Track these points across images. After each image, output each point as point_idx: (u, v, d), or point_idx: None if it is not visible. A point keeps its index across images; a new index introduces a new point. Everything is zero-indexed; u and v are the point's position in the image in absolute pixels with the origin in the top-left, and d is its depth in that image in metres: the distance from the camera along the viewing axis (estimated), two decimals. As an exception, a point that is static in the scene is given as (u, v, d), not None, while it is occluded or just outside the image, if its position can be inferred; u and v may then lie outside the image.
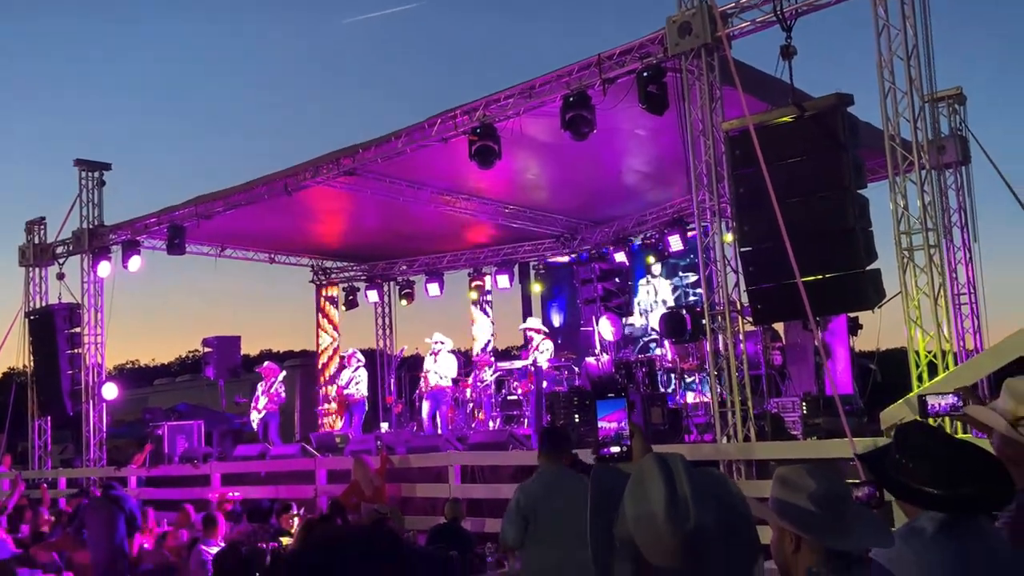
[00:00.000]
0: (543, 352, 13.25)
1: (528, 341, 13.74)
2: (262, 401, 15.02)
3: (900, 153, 8.04)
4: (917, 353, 7.88)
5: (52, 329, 15.39)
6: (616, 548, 1.58)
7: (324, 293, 19.30)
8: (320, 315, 19.31)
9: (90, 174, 15.72)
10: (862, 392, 12.52)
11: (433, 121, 11.29)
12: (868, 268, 8.06)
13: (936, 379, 7.28)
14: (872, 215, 8.31)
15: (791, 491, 2.14)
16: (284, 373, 15.55)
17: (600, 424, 2.12)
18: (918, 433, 2.67)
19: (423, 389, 14.36)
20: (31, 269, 16.40)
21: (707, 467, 1.67)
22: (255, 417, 15.06)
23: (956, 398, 3.04)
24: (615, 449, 2.08)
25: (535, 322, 14.40)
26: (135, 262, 14.94)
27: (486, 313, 18.60)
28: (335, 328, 19.38)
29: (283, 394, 15.25)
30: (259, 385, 15.30)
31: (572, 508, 4.29)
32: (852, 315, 12.12)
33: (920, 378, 7.76)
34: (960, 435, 5.25)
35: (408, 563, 1.18)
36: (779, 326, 12.69)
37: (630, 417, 2.13)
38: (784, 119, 8.35)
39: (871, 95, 8.48)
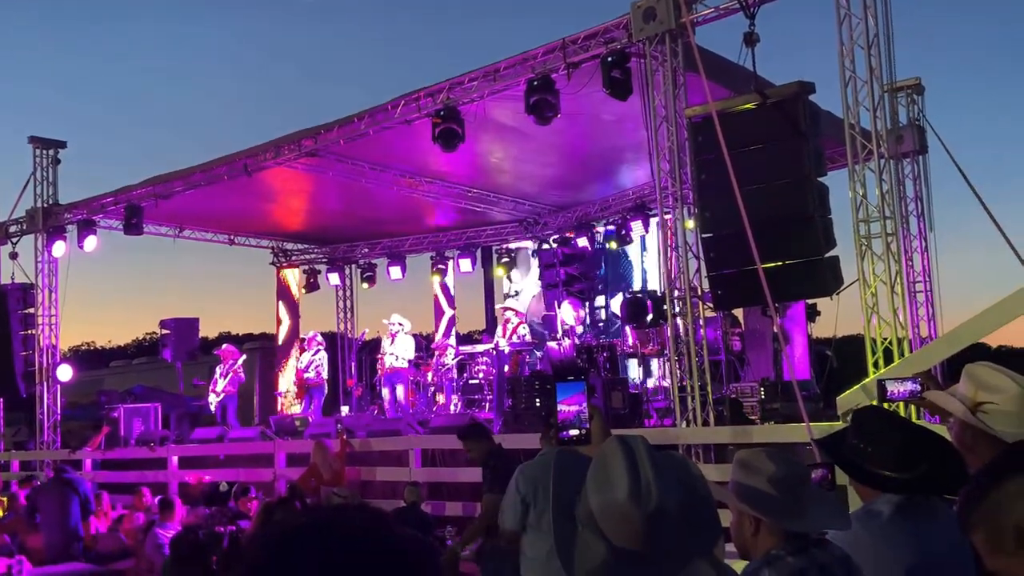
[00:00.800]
0: (522, 334, 13.26)
1: (504, 323, 13.72)
2: (220, 384, 14.88)
3: (860, 142, 8.14)
4: (874, 340, 8.01)
5: (5, 309, 15.07)
6: (578, 531, 1.58)
7: (283, 275, 19.12)
8: (279, 297, 19.13)
9: (45, 152, 15.39)
10: (819, 378, 12.70)
11: (396, 103, 11.20)
12: (827, 255, 8.15)
13: (892, 365, 7.40)
14: (832, 203, 8.42)
15: (751, 474, 2.17)
16: (244, 357, 15.42)
17: (560, 407, 2.12)
18: (875, 418, 2.72)
19: (380, 372, 14.32)
20: (-18, 248, 16.04)
21: (668, 450, 1.67)
22: (213, 400, 14.92)
23: (915, 384, 3.08)
24: (574, 432, 2.08)
25: (513, 302, 14.39)
26: (91, 242, 14.69)
27: (448, 296, 18.57)
28: (295, 310, 19.22)
29: (243, 376, 15.14)
30: (217, 368, 15.15)
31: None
32: (810, 302, 12.28)
33: (876, 364, 7.89)
34: (915, 420, 5.35)
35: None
36: (739, 312, 12.82)
37: (590, 400, 2.13)
38: (746, 106, 8.40)
39: (832, 84, 8.57)
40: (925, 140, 12.61)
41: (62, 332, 15.52)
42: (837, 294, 8.40)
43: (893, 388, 2.97)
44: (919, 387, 2.96)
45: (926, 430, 2.74)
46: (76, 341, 60.32)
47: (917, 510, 2.53)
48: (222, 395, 14.85)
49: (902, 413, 5.98)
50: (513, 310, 14.03)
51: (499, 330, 13.88)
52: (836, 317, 10.22)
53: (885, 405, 3.25)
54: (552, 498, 1.61)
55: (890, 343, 7.90)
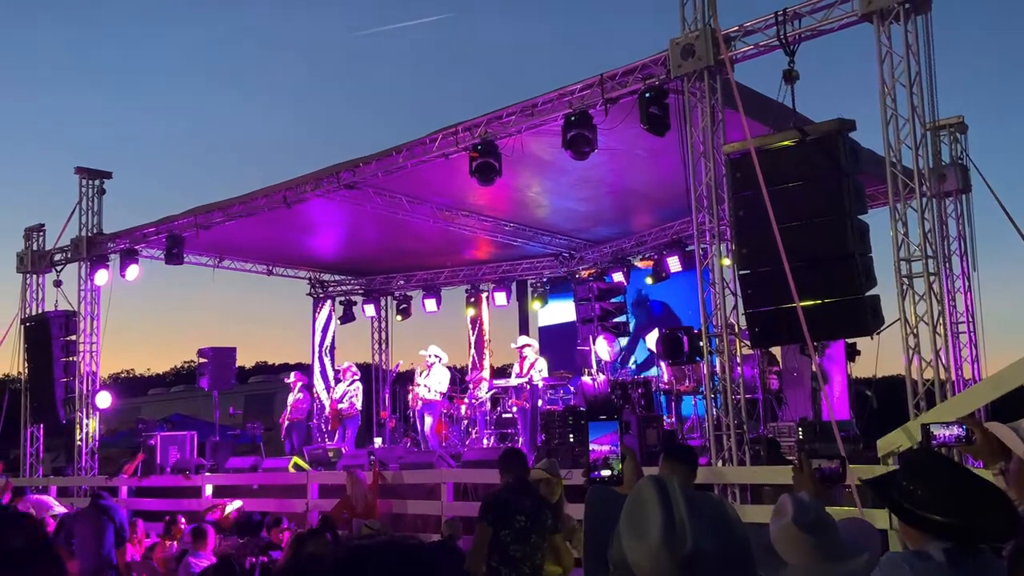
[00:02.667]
0: (538, 370, 13.20)
1: (522, 359, 13.70)
2: (287, 411, 15.50)
3: (901, 180, 8.04)
4: (915, 381, 7.85)
5: (48, 336, 15.32)
6: (610, 572, 1.55)
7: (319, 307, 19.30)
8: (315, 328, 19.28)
9: (90, 182, 15.70)
10: (859, 418, 12.48)
11: (435, 136, 11.29)
12: (867, 294, 8.03)
13: (936, 408, 7.24)
14: (872, 241, 8.31)
15: (775, 518, 2.12)
16: (301, 384, 15.85)
17: (592, 446, 2.09)
18: (927, 461, 2.67)
19: (412, 404, 14.35)
20: (28, 276, 16.35)
21: (704, 491, 1.64)
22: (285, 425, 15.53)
23: (961, 429, 3.00)
24: (606, 472, 2.05)
25: (527, 339, 14.37)
26: (133, 271, 14.91)
27: (483, 330, 18.57)
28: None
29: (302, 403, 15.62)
30: (289, 395, 15.74)
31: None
32: (850, 341, 12.10)
33: (917, 406, 7.73)
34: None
35: None
36: (776, 350, 12.66)
37: (623, 440, 2.10)
38: (785, 143, 8.35)
39: (873, 121, 8.50)
40: (968, 179, 12.46)
41: (103, 360, 15.74)
42: (877, 334, 8.27)
43: (939, 432, 2.90)
44: (965, 432, 2.88)
45: (978, 477, 2.67)
46: (116, 369, 61.27)
47: (966, 558, 2.46)
48: (287, 422, 15.31)
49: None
50: (530, 345, 13.98)
51: (515, 366, 13.82)
52: (876, 357, 10.05)
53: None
54: (584, 537, 1.59)
55: (932, 385, 7.73)
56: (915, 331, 7.86)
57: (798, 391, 12.66)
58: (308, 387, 15.83)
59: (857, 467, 7.06)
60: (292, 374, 16.59)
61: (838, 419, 10.89)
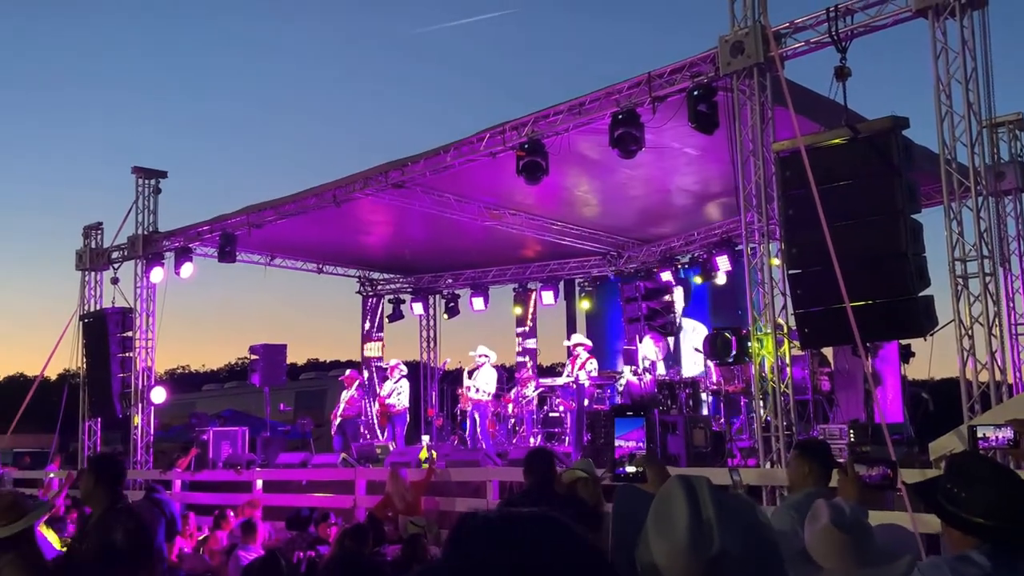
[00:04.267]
0: (589, 369, 13.17)
1: (574, 357, 13.69)
2: (341, 408, 15.53)
3: (956, 178, 7.87)
4: (970, 383, 7.68)
5: (105, 332, 15.68)
6: (637, 572, 1.53)
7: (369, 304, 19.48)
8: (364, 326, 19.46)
9: (146, 181, 16.04)
10: (914, 421, 12.23)
11: (482, 136, 11.32)
12: (920, 295, 7.87)
13: (989, 411, 7.08)
14: (927, 241, 8.14)
15: (811, 523, 2.09)
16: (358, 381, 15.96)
17: (618, 442, 2.08)
18: (972, 463, 2.62)
19: (462, 403, 14.42)
20: (87, 273, 16.75)
21: (735, 493, 1.62)
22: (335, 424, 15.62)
23: (1010, 432, 2.93)
24: (630, 469, 2.03)
25: (581, 338, 14.34)
26: (187, 269, 15.19)
27: (531, 328, 18.59)
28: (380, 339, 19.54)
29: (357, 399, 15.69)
30: (343, 393, 15.79)
31: None
32: (904, 342, 11.86)
33: (972, 409, 7.56)
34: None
35: None
36: (828, 351, 12.45)
37: (650, 436, 2.09)
38: (836, 141, 8.22)
39: (928, 118, 8.33)
40: (1028, 177, 12.14)
41: (159, 355, 16.06)
42: (931, 335, 8.10)
43: (987, 434, 2.83)
44: (1014, 436, 2.81)
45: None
46: (172, 364, 62.43)
47: (1009, 563, 2.41)
48: (339, 419, 15.42)
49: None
50: (582, 344, 13.96)
51: (567, 365, 13.81)
52: (930, 359, 9.83)
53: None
54: (612, 536, 1.57)
55: (987, 387, 7.55)
56: (970, 332, 7.69)
57: (850, 393, 12.43)
58: (362, 385, 15.94)
59: (908, 471, 6.94)
60: (348, 371, 16.67)
61: (892, 422, 10.69)
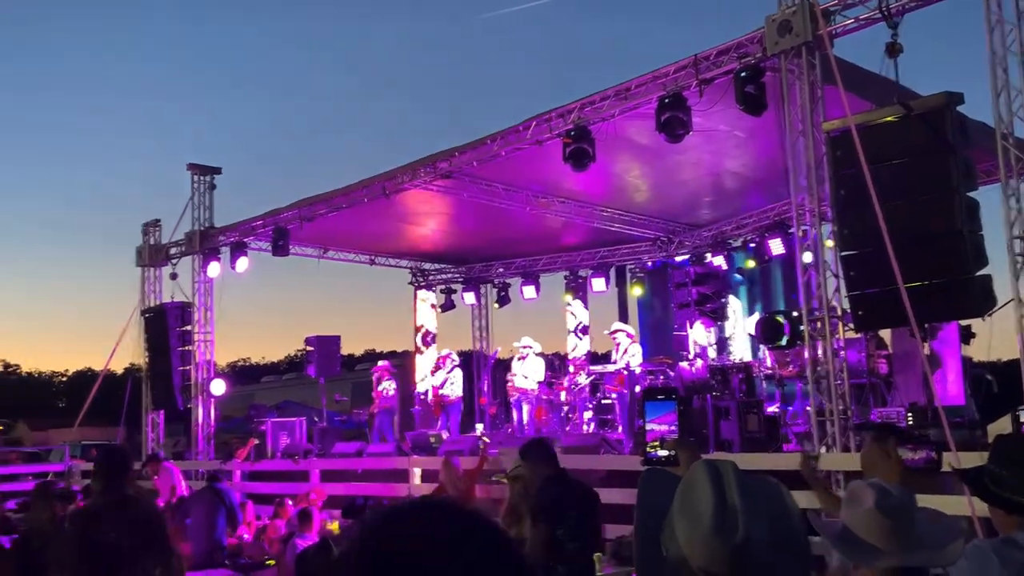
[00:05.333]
0: (633, 356, 13.12)
1: (616, 345, 13.65)
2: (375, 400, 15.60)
3: (1014, 154, 7.66)
4: (1031, 364, 7.48)
5: (165, 327, 16.05)
6: (663, 556, 1.54)
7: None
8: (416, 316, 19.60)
9: (202, 178, 16.35)
10: (976, 403, 11.95)
11: (528, 124, 11.32)
12: (977, 274, 7.68)
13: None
14: (984, 219, 7.93)
15: (851, 506, 2.07)
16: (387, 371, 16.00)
17: (649, 426, 2.08)
18: (1015, 444, 2.59)
19: (512, 395, 14.48)
20: (147, 269, 17.15)
21: (763, 476, 1.61)
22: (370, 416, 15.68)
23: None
24: (662, 453, 2.03)
25: (621, 324, 14.30)
26: (242, 263, 15.44)
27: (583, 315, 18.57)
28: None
29: (390, 393, 15.62)
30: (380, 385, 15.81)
31: None
32: (964, 323, 11.59)
33: (1034, 391, 7.36)
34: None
35: None
36: (885, 333, 12.23)
37: (682, 421, 2.08)
38: (888, 119, 8.04)
39: (984, 93, 8.11)
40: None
41: (221, 349, 16.45)
42: (989, 315, 7.90)
43: (1031, 418, 2.78)
44: None
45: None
46: (234, 357, 63.68)
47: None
48: (377, 411, 15.51)
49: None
50: (623, 331, 13.90)
51: (613, 353, 13.77)
52: (990, 340, 9.59)
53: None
54: (637, 521, 1.58)
55: (1049, 368, 7.36)
56: (1030, 312, 7.49)
57: (909, 375, 12.19)
58: (396, 376, 15.93)
59: (967, 454, 6.80)
60: (380, 363, 16.59)
61: (953, 404, 10.48)
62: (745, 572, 1.45)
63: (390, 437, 14.86)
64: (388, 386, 15.67)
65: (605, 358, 19.08)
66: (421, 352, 19.39)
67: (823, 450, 8.57)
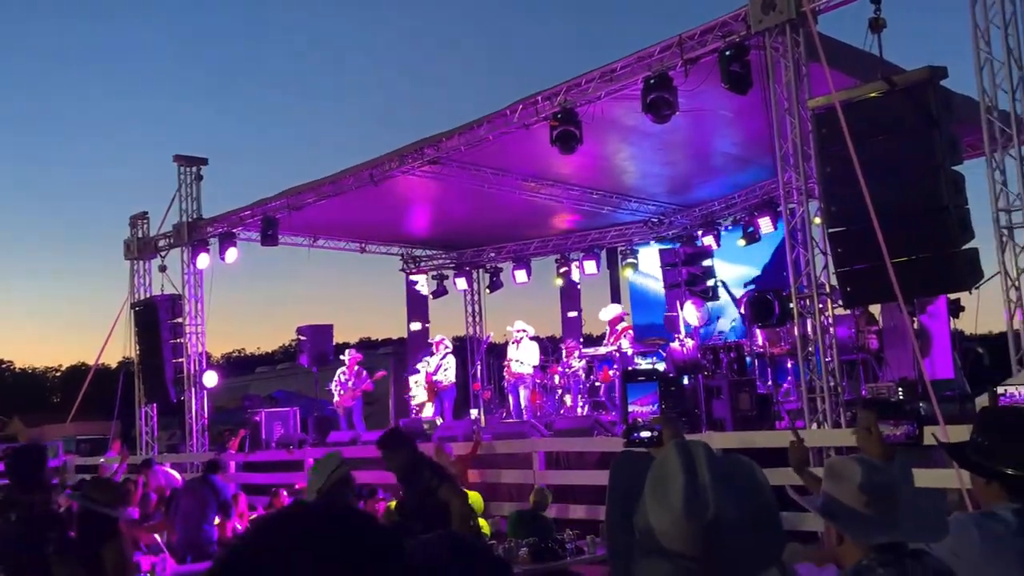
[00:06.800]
0: (626, 337, 13.17)
1: (614, 330, 13.68)
2: (348, 389, 15.43)
3: (998, 127, 7.66)
4: (1018, 335, 7.52)
5: (156, 320, 15.97)
6: (636, 539, 1.54)
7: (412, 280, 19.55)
8: (409, 303, 19.56)
9: (188, 169, 16.25)
10: (966, 376, 12.00)
11: (515, 107, 11.27)
12: (964, 248, 7.71)
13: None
14: (970, 193, 7.95)
15: (838, 482, 2.07)
16: (361, 358, 15.88)
17: (632, 407, 2.08)
18: (1003, 416, 2.61)
19: (507, 377, 14.49)
20: (135, 262, 17.08)
21: (736, 454, 1.62)
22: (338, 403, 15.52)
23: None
24: (645, 434, 2.03)
25: (616, 308, 14.33)
26: (231, 254, 15.38)
27: (575, 298, 18.59)
28: (425, 315, 19.62)
29: (366, 379, 15.53)
30: (342, 372, 15.65)
31: None
32: (953, 297, 11.63)
33: (1021, 362, 7.41)
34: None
35: None
36: (875, 309, 12.27)
37: (663, 401, 2.08)
38: (873, 94, 8.04)
39: (968, 67, 8.11)
40: (1077, 121, 11.76)
41: (215, 340, 16.41)
42: (976, 288, 7.93)
43: (1009, 392, 2.79)
44: None
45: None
46: (228, 348, 63.53)
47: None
48: (349, 399, 15.38)
49: None
50: (617, 316, 13.93)
51: (607, 337, 13.78)
52: (977, 313, 9.63)
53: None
54: (608, 504, 1.58)
55: (1036, 339, 7.39)
56: (1016, 284, 7.52)
57: (899, 350, 12.21)
58: (365, 364, 15.80)
59: (955, 427, 6.84)
60: (348, 353, 16.21)
61: (942, 378, 10.52)
62: (717, 550, 1.46)
63: (360, 427, 14.82)
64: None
65: (599, 340, 19.13)
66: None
67: (814, 426, 8.61)
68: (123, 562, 4.58)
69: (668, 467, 1.52)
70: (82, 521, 4.66)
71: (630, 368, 12.13)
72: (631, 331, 13.66)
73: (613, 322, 14.25)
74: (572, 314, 18.51)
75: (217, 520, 8.89)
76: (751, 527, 1.49)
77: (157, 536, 8.66)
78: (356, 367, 15.43)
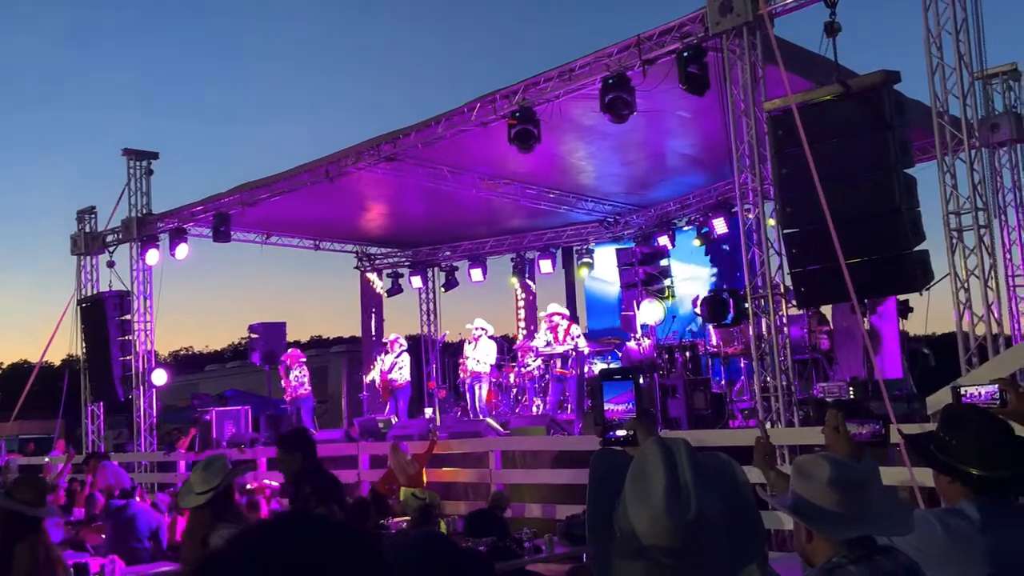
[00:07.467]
0: (576, 336, 13.19)
1: (554, 327, 13.64)
2: (292, 387, 15.39)
3: (949, 131, 7.82)
4: (967, 336, 7.67)
5: (103, 316, 15.62)
6: (616, 538, 1.52)
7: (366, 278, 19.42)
8: (364, 301, 19.42)
9: (138, 163, 15.93)
10: (914, 377, 12.24)
11: (472, 105, 11.23)
12: (915, 249, 7.85)
13: (982, 367, 7.07)
14: (922, 195, 8.10)
15: (806, 480, 2.08)
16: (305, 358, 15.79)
17: (608, 406, 2.07)
18: (966, 413, 2.63)
19: (463, 375, 14.42)
20: (82, 257, 16.69)
21: (714, 452, 1.60)
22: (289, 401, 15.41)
23: (995, 390, 2.91)
24: (621, 433, 2.02)
25: (556, 307, 14.31)
26: (182, 250, 15.12)
27: (529, 298, 18.58)
28: (379, 313, 19.50)
29: (302, 381, 15.44)
30: (291, 372, 15.54)
31: None
32: (902, 298, 11.85)
33: (970, 362, 7.57)
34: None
35: None
36: (826, 309, 12.45)
37: (639, 400, 2.07)
38: (827, 97, 8.16)
39: (920, 72, 8.25)
40: (1023, 128, 12.06)
41: (163, 338, 16.14)
42: (927, 290, 8.09)
43: (970, 393, 2.82)
44: (999, 394, 2.78)
45: (1016, 433, 2.61)
46: (176, 346, 62.58)
47: (999, 515, 2.41)
48: (295, 398, 15.25)
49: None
50: (560, 314, 13.91)
51: (548, 335, 13.69)
52: (927, 314, 9.83)
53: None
54: (588, 502, 1.56)
55: (984, 340, 7.55)
56: (966, 285, 7.68)
57: (850, 350, 12.42)
58: (306, 364, 15.76)
59: (908, 426, 6.95)
60: (289, 351, 16.14)
61: (891, 378, 10.70)
62: (698, 548, 1.45)
63: (310, 427, 14.68)
64: (298, 374, 15.47)
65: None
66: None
67: (768, 425, 8.70)
68: (35, 562, 4.49)
69: (649, 465, 1.51)
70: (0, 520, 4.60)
71: (607, 366, 12.14)
72: (576, 327, 13.67)
73: (550, 316, 14.17)
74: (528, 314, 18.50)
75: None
76: (732, 525, 1.48)
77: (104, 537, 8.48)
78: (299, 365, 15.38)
